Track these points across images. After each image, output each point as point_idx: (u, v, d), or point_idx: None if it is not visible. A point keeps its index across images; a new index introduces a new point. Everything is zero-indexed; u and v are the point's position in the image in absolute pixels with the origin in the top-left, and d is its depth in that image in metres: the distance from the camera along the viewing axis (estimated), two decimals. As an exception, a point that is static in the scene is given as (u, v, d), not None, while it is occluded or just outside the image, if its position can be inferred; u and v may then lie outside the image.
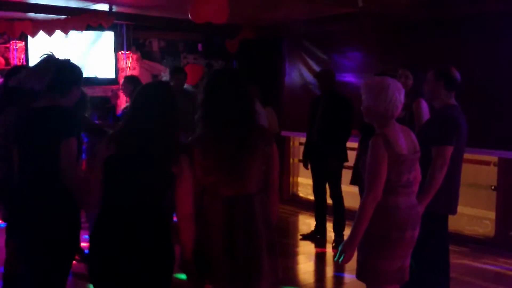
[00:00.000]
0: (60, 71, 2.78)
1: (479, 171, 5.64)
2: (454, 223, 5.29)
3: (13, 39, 6.68)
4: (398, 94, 2.71)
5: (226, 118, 2.45)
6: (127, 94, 5.63)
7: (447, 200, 3.37)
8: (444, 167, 3.18)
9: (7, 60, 6.71)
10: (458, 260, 4.82)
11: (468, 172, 5.60)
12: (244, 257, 2.47)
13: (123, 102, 7.14)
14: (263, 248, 2.50)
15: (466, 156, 5.12)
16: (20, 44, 6.74)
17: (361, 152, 4.71)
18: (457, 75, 3.37)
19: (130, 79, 5.60)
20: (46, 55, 2.86)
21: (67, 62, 2.88)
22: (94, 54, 7.15)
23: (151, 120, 2.29)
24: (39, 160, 2.69)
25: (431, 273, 3.38)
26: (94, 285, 2.39)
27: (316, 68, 6.61)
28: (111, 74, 7.25)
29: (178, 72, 5.70)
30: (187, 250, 2.39)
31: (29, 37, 6.59)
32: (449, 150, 3.21)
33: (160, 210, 2.34)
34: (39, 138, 2.67)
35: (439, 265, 3.45)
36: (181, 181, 2.28)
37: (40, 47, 6.64)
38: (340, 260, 2.68)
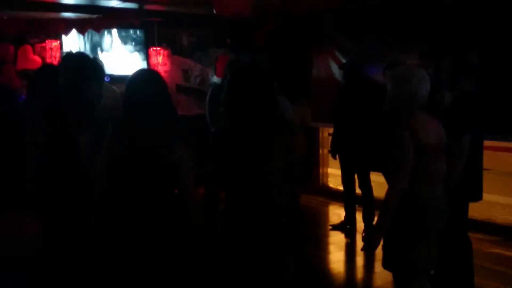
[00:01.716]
0: (78, 68, 2.82)
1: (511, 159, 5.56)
2: (486, 212, 5.23)
3: (48, 39, 6.90)
4: (424, 83, 2.70)
5: (246, 111, 2.46)
6: None
7: (470, 188, 3.35)
8: (463, 157, 3.16)
9: (43, 59, 6.93)
10: (490, 249, 4.78)
11: (500, 160, 5.53)
12: (266, 247, 2.50)
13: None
14: (284, 238, 2.53)
15: (499, 144, 5.07)
16: (55, 43, 6.94)
17: (377, 140, 4.69)
18: (474, 60, 3.33)
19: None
20: (65, 53, 2.95)
21: (84, 58, 2.93)
22: (126, 51, 7.32)
23: (148, 112, 2.23)
24: (63, 157, 2.75)
25: (453, 259, 3.38)
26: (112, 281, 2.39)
27: (344, 58, 6.58)
28: (143, 70, 7.41)
29: None
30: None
31: (63, 36, 6.79)
32: (467, 139, 3.19)
33: (171, 203, 2.34)
34: (60, 135, 2.74)
35: (461, 251, 3.44)
36: (182, 172, 2.25)
37: (74, 45, 6.86)
38: (366, 248, 2.72)
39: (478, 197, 3.45)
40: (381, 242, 2.77)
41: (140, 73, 2.39)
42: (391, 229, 2.71)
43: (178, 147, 2.27)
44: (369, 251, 2.72)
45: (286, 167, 2.53)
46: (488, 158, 5.25)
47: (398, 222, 2.69)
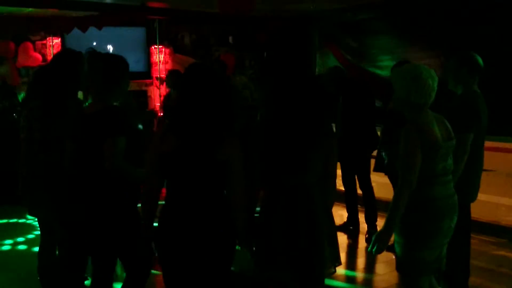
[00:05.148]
0: (105, 68, 2.73)
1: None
2: (492, 214, 5.18)
3: (49, 36, 6.85)
4: (431, 81, 2.66)
5: (296, 109, 2.47)
6: (169, 86, 6.05)
7: (468, 188, 3.31)
8: (465, 155, 3.13)
9: (44, 57, 6.89)
10: (495, 251, 4.72)
11: (506, 161, 5.49)
12: (307, 245, 2.50)
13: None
14: (324, 236, 2.54)
15: (506, 145, 5.02)
16: (57, 41, 6.90)
17: (383, 142, 4.66)
18: (479, 60, 3.31)
19: (173, 73, 5.97)
20: (88, 53, 2.90)
21: (109, 57, 2.87)
22: (127, 49, 7.26)
23: (205, 106, 2.23)
24: (94, 162, 2.65)
25: (452, 260, 3.32)
26: (163, 270, 2.42)
27: (347, 56, 6.54)
28: (144, 69, 7.36)
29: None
30: (242, 236, 2.40)
31: (65, 34, 6.74)
32: (469, 138, 3.16)
33: (221, 199, 2.33)
34: (93, 142, 2.64)
35: (460, 252, 3.40)
36: (231, 168, 2.25)
37: (76, 43, 6.80)
38: (374, 250, 2.66)
39: (473, 198, 3.40)
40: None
41: (196, 67, 2.38)
42: (402, 230, 2.66)
43: (231, 144, 2.25)
44: (377, 252, 2.66)
45: (324, 167, 2.55)
46: (493, 160, 5.21)
47: (408, 222, 2.64)
